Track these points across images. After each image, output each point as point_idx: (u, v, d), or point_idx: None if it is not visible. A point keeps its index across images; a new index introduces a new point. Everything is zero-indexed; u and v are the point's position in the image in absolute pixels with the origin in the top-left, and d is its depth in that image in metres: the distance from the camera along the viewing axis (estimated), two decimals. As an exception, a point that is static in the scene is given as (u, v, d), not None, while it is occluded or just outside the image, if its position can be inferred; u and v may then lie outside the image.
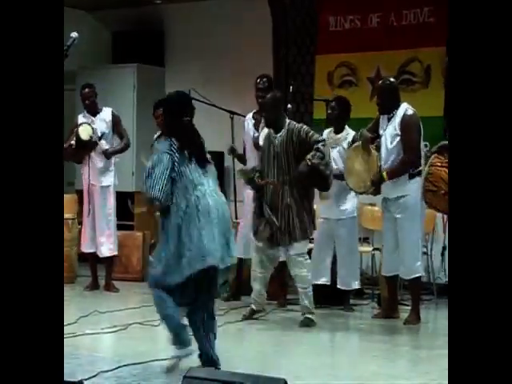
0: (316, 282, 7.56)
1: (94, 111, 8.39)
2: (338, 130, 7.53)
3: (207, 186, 5.00)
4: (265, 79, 7.74)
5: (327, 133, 7.58)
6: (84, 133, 8.11)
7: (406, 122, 6.79)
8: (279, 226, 6.63)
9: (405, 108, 6.85)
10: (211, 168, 5.15)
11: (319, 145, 6.62)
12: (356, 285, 7.56)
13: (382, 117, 6.98)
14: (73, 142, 8.13)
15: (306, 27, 9.83)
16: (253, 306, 6.99)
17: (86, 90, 8.38)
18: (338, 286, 7.51)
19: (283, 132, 6.77)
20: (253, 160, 7.61)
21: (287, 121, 6.86)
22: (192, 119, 5.22)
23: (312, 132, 6.74)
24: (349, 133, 7.50)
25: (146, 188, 5.00)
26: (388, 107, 6.89)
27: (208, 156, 5.15)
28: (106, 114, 8.42)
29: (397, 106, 6.84)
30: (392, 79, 7.27)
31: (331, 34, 9.63)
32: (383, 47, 9.23)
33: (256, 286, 6.94)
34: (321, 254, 7.54)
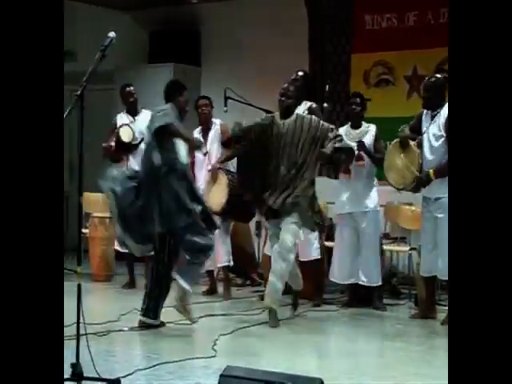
0: (347, 282, 7.55)
1: (134, 111, 8.42)
2: (357, 126, 7.55)
3: None
4: (300, 72, 7.72)
5: (345, 129, 7.57)
6: (125, 135, 8.14)
7: None
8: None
9: None
10: None
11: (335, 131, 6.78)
12: (380, 281, 7.51)
13: (425, 113, 6.90)
14: (113, 144, 8.17)
15: (342, 26, 9.81)
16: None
17: (128, 89, 8.42)
18: (361, 283, 7.47)
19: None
20: None
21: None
22: None
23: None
24: (369, 126, 7.52)
25: None
26: (433, 103, 6.81)
27: None
28: (146, 116, 8.44)
29: (441, 104, 6.75)
30: (439, 75, 7.19)
31: (368, 33, 9.60)
32: (420, 46, 9.17)
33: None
34: (349, 252, 7.52)
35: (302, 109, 7.56)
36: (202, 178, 8.07)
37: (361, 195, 7.47)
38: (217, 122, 8.18)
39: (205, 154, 8.06)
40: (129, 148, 8.23)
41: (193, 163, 8.08)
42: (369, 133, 7.51)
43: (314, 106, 7.60)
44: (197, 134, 8.16)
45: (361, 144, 7.42)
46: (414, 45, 9.22)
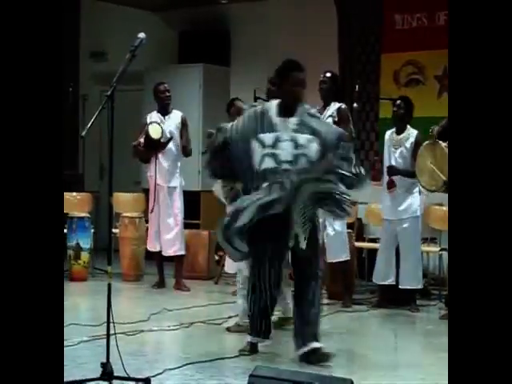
0: (383, 283, 7.54)
1: (165, 111, 8.44)
2: (400, 131, 7.50)
3: None
4: (328, 73, 7.69)
5: (389, 134, 7.57)
6: (154, 132, 8.13)
7: None
8: None
9: None
10: None
11: None
12: (419, 285, 7.51)
13: None
14: (142, 140, 8.18)
15: (371, 26, 9.78)
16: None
17: (162, 86, 8.42)
18: (400, 286, 7.46)
19: None
20: None
21: None
22: None
23: None
24: (410, 132, 7.46)
25: None
26: None
27: None
28: (177, 116, 8.47)
29: None
30: None
31: (398, 33, 9.56)
32: (451, 45, 9.11)
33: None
34: (386, 255, 7.54)
35: (330, 110, 7.54)
36: None
37: (400, 202, 7.45)
38: None
39: None
40: (158, 145, 8.24)
41: None
42: (408, 140, 7.46)
43: (343, 106, 7.58)
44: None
45: (391, 170, 7.38)
46: (445, 44, 9.06)
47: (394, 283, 7.49)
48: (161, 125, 8.23)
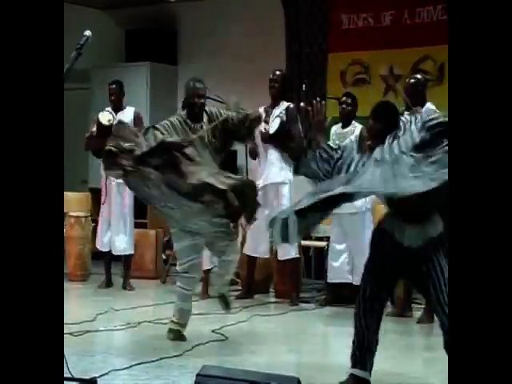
0: (337, 281, 7.58)
1: (117, 107, 8.39)
2: (346, 125, 7.57)
3: None
4: (278, 72, 7.74)
5: (335, 128, 7.63)
6: (104, 118, 8.06)
7: None
8: None
9: (429, 108, 6.83)
10: None
11: None
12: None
13: (406, 113, 6.91)
14: (94, 129, 8.11)
15: (319, 25, 9.84)
16: None
17: (113, 85, 8.38)
18: (354, 283, 7.50)
19: None
20: (263, 154, 7.67)
21: None
22: None
23: None
24: (356, 126, 7.54)
25: None
26: (413, 104, 6.84)
27: None
28: (129, 112, 8.43)
29: (422, 105, 6.78)
30: (420, 76, 7.21)
31: (344, 32, 9.63)
32: (396, 45, 9.22)
33: None
34: (337, 252, 7.56)
35: (279, 109, 7.58)
36: None
37: None
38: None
39: None
40: (110, 132, 8.18)
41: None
42: (353, 133, 7.52)
43: (292, 106, 7.63)
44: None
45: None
46: (390, 44, 9.27)
47: (349, 281, 7.52)
48: (112, 113, 8.19)
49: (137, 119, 8.40)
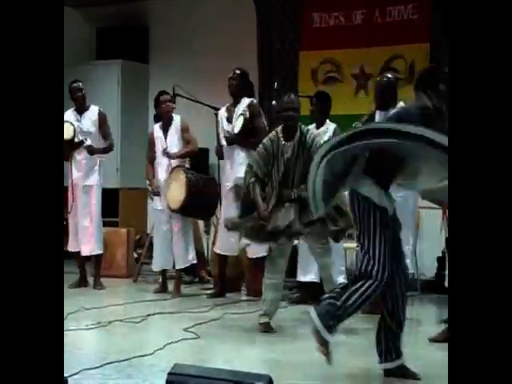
0: (304, 280, 7.60)
1: (81, 108, 8.32)
2: (320, 125, 7.57)
3: None
4: (237, 70, 7.74)
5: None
6: (66, 132, 7.98)
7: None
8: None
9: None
10: None
11: None
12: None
13: (378, 112, 6.91)
14: None
15: (290, 23, 9.85)
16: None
17: (74, 84, 8.30)
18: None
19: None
20: (230, 156, 7.66)
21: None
22: None
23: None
24: (329, 126, 7.54)
25: None
26: (385, 103, 6.82)
27: None
28: (93, 112, 8.37)
29: (394, 105, 6.74)
30: (390, 75, 7.18)
31: (315, 31, 9.66)
32: (367, 44, 9.26)
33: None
34: (305, 251, 7.59)
35: (241, 106, 7.57)
36: (160, 175, 8.02)
37: None
38: (176, 118, 8.09)
39: (164, 150, 7.98)
40: (71, 146, 8.15)
41: (153, 159, 8.06)
42: (326, 134, 7.51)
43: (254, 102, 7.66)
44: (158, 129, 8.12)
45: None
46: (361, 43, 9.30)
47: (316, 280, 7.52)
48: (73, 124, 8.13)
49: (102, 118, 8.35)
